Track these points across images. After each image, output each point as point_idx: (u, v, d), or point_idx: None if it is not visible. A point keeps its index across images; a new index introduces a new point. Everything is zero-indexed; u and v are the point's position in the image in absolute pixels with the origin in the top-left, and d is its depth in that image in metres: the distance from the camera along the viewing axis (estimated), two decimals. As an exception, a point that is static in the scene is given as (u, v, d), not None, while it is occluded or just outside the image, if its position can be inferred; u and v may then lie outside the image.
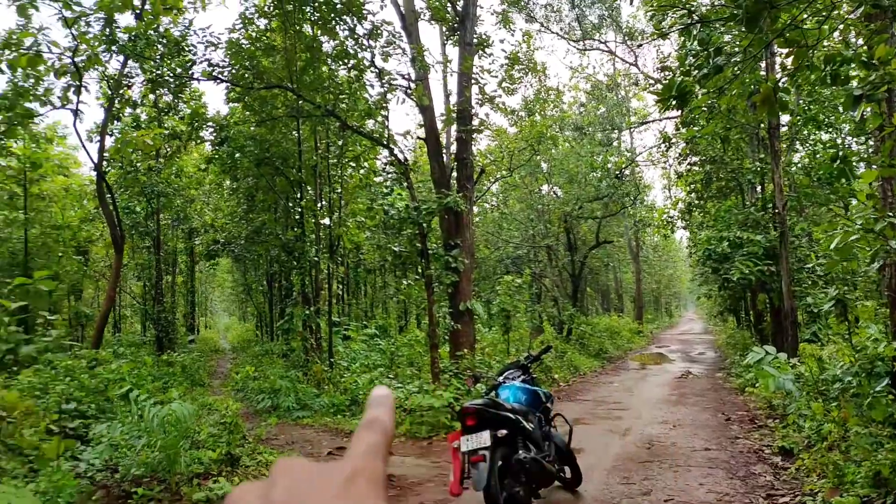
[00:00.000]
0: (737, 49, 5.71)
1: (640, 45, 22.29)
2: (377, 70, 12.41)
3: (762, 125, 13.87)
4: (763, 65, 11.87)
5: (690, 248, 24.28)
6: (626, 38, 22.93)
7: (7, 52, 13.86)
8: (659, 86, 18.91)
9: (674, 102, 4.32)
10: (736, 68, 4.61)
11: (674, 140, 18.67)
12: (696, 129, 15.09)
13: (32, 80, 14.50)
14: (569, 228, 23.83)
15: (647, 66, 26.60)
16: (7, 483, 5.38)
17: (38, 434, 7.45)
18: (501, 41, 34.56)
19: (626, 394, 12.62)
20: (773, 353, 9.02)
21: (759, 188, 16.35)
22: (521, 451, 4.90)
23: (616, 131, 27.06)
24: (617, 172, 22.47)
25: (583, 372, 16.50)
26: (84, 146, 15.22)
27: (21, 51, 13.80)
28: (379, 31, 12.08)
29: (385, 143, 13.01)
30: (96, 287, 24.71)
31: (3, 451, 6.89)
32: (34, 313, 17.00)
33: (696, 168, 17.88)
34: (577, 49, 24.99)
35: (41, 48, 13.73)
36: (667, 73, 16.46)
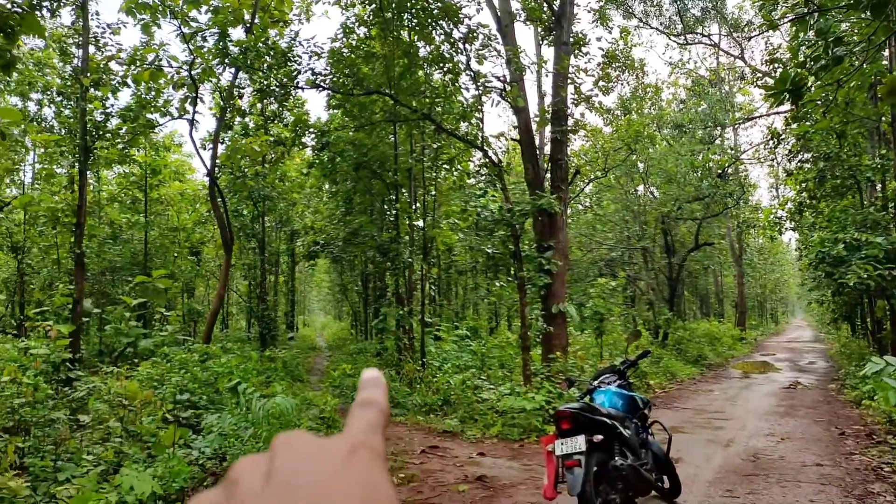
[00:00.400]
0: (856, 38, 5.33)
1: (750, 38, 21.19)
2: (472, 73, 12.51)
3: (883, 119, 12.86)
4: (886, 53, 11.01)
5: (800, 251, 22.84)
6: (732, 30, 21.89)
7: (132, 67, 15.08)
8: (768, 79, 17.94)
9: (787, 96, 4.09)
10: (856, 58, 4.30)
11: (783, 136, 17.63)
12: (808, 123, 14.19)
13: (153, 93, 15.67)
14: (666, 230, 23.02)
15: (753, 58, 25.22)
16: (129, 466, 5.84)
17: (156, 422, 8.04)
18: (598, 39, 33.80)
19: (727, 403, 12.04)
20: (894, 364, 8.33)
21: (878, 186, 15.18)
22: (617, 458, 4.80)
23: (719, 128, 25.84)
24: (719, 171, 21.49)
25: (680, 379, 15.89)
26: (199, 153, 16.30)
27: (144, 66, 14.96)
28: (475, 35, 12.18)
29: (479, 145, 13.09)
30: (207, 285, 26.34)
31: (125, 437, 7.48)
32: (152, 309, 18.38)
33: (808, 165, 16.80)
34: (678, 44, 24.15)
35: (162, 63, 14.83)
36: (776, 65, 15.58)
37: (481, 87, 12.67)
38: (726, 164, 22.18)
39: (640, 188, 25.22)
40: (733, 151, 25.68)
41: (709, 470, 6.88)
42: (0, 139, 7.06)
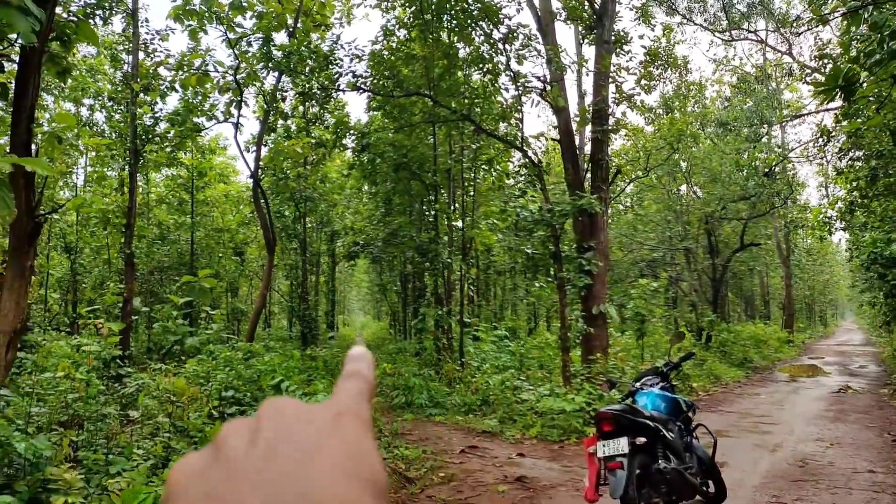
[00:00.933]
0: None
1: (799, 34, 20.60)
2: (512, 73, 12.48)
3: (942, 115, 12.33)
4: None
5: (851, 252, 22.09)
6: (779, 25, 21.32)
7: (180, 72, 15.50)
8: (817, 76, 17.42)
9: (838, 93, 3.97)
10: (912, 53, 4.15)
11: (833, 133, 17.09)
12: (860, 120, 13.72)
13: (200, 97, 16.08)
14: (710, 230, 22.55)
15: (802, 54, 24.51)
16: (177, 461, 5.99)
17: (202, 418, 8.24)
18: (640, 37, 33.20)
19: (774, 407, 11.74)
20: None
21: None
22: (661, 461, 4.73)
23: (765, 126, 25.19)
24: (766, 170, 20.94)
25: (724, 382, 15.55)
26: (243, 156, 16.69)
27: (191, 71, 15.36)
28: (515, 34, 12.15)
29: (518, 145, 13.05)
30: (250, 285, 26.87)
31: (173, 432, 7.69)
32: (198, 308, 18.84)
33: (860, 163, 16.23)
34: (723, 40, 23.63)
35: (208, 68, 15.21)
36: (825, 61, 15.12)
37: (521, 88, 12.62)
38: (773, 163, 21.61)
39: (683, 188, 24.76)
40: (781, 149, 24.99)
41: (755, 475, 6.72)
42: (56, 143, 7.34)
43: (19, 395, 7.14)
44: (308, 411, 0.36)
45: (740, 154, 21.57)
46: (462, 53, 13.69)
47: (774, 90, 26.89)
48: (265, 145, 17.28)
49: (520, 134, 13.35)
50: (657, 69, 14.43)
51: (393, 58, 13.94)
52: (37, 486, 5.43)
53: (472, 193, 18.17)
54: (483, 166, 17.96)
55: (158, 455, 6.42)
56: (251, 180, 16.26)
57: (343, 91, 14.06)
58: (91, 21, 13.14)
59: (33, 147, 6.33)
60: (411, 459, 7.23)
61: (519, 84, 12.54)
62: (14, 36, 6.73)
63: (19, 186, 5.95)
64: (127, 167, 15.36)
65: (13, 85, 6.58)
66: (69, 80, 14.89)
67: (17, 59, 6.76)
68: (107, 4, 13.90)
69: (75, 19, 7.40)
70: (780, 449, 8.05)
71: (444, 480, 6.48)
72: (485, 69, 13.01)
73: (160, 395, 8.70)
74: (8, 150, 6.09)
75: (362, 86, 13.79)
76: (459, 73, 14.22)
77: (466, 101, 13.72)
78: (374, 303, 40.28)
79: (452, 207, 16.45)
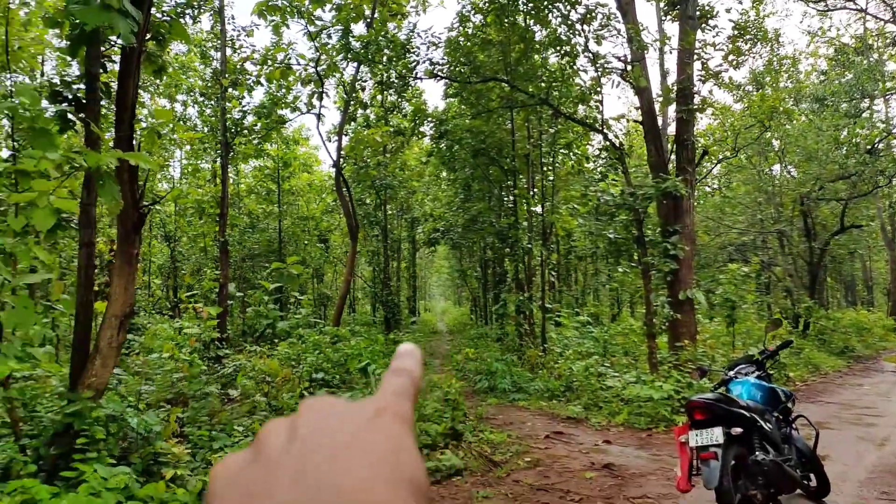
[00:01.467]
0: None
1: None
2: (591, 55, 12.21)
3: None
4: None
5: (968, 234, 20.38)
6: (882, -10, 19.78)
7: (265, 66, 16.07)
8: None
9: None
10: None
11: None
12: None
13: (284, 90, 16.62)
14: (806, 212, 21.32)
15: (908, 20, 22.62)
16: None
17: (295, 398, 8.60)
18: (728, 10, 31.71)
19: (880, 398, 11.05)
20: None
21: None
22: (758, 452, 4.57)
23: (867, 99, 23.51)
24: (868, 147, 19.58)
25: (824, 371, 14.76)
26: (325, 146, 17.16)
27: (275, 65, 15.90)
28: (593, 14, 11.86)
29: (598, 128, 12.79)
30: (334, 271, 27.68)
31: (269, 410, 8.07)
32: (287, 293, 19.60)
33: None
34: (818, 11, 22.17)
35: (290, 61, 15.69)
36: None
37: (600, 69, 12.34)
38: (877, 139, 20.16)
39: (776, 168, 23.51)
40: (885, 124, 23.28)
41: (860, 469, 6.38)
42: (156, 138, 7.79)
43: (130, 374, 7.70)
44: (348, 408, 0.36)
45: (839, 130, 20.24)
46: (539, 36, 13.49)
47: (876, 61, 25.00)
48: (346, 134, 17.68)
49: (600, 116, 13.07)
50: (746, 44, 13.73)
51: (469, 43, 13.92)
52: (148, 458, 5.83)
53: (551, 178, 17.95)
54: (562, 150, 17.70)
55: (258, 432, 6.75)
56: (333, 169, 16.71)
57: (420, 79, 14.17)
58: (181, 20, 13.81)
59: (134, 142, 6.75)
60: (496, 443, 7.30)
61: (598, 65, 12.25)
62: (114, 37, 7.18)
63: (124, 180, 6.37)
64: (219, 159, 16.10)
65: (115, 84, 7.04)
66: (164, 78, 15.73)
67: (116, 59, 7.23)
68: (196, 3, 14.56)
69: (168, 19, 7.79)
70: (889, 443, 7.59)
71: (530, 465, 6.51)
72: (562, 51, 12.76)
73: (256, 376, 9.15)
74: (112, 146, 6.54)
75: (439, 73, 13.86)
76: (536, 57, 14.04)
77: (544, 84, 13.54)
78: (454, 288, 40.62)
79: (531, 192, 16.33)
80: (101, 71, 7.03)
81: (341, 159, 17.07)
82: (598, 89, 12.91)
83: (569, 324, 16.19)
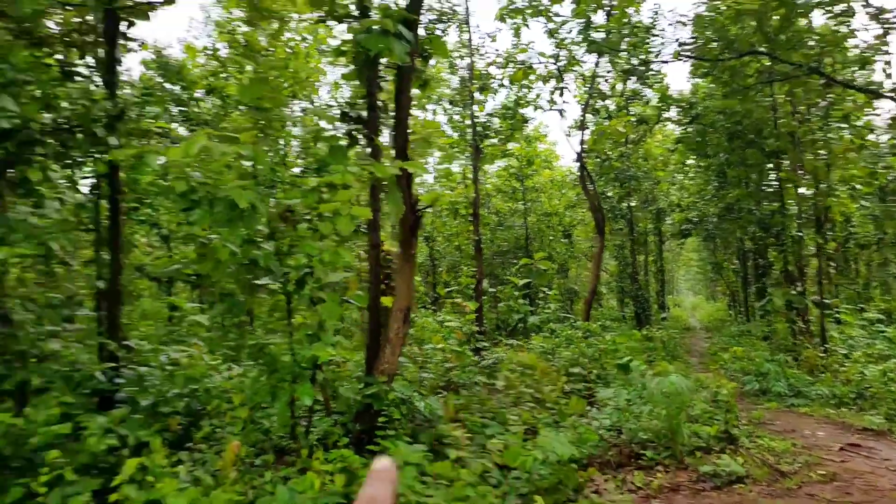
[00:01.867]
0: None
1: None
2: (874, 9, 10.53)
3: None
4: None
5: None
6: None
7: (507, 68, 16.67)
8: None
9: None
10: None
11: None
12: None
13: (525, 90, 17.08)
14: None
15: None
16: (543, 430, 6.50)
17: (556, 392, 8.79)
18: None
19: None
20: None
21: None
22: None
23: None
24: None
25: None
26: (568, 141, 17.24)
27: (517, 66, 16.40)
28: (880, -37, 10.22)
29: (886, 94, 10.99)
30: (578, 265, 27.64)
31: (533, 403, 8.32)
32: (535, 288, 20.12)
33: None
34: None
35: (531, 61, 16.05)
36: None
37: (885, 25, 10.59)
38: None
39: None
40: None
41: None
42: (426, 146, 8.52)
43: (412, 362, 8.55)
44: None
45: None
46: (803, -1, 12.00)
47: None
48: (587, 128, 17.55)
49: (891, 80, 11.22)
50: None
51: (720, 17, 12.90)
52: (433, 439, 6.41)
53: (824, 156, 15.84)
54: (838, 124, 15.52)
55: (528, 422, 7.03)
56: (577, 164, 16.69)
57: (665, 62, 13.53)
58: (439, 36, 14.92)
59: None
60: (779, 451, 6.69)
61: (882, 20, 10.53)
62: (383, 59, 8.01)
63: (403, 186, 7.11)
64: (471, 164, 17.07)
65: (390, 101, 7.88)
66: (426, 91, 17.15)
67: (388, 78, 8.09)
68: (445, 18, 15.63)
69: (430, 36, 8.50)
70: None
71: (825, 479, 5.84)
72: (835, 11, 11.20)
73: (515, 368, 9.54)
74: (394, 156, 7.32)
75: (685, 53, 13.10)
76: (801, 21, 12.51)
77: (812, 51, 12.01)
78: (705, 282, 38.00)
79: (800, 174, 14.60)
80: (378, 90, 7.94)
81: (583, 153, 16.99)
82: (884, 49, 11.11)
83: (852, 321, 14.21)
